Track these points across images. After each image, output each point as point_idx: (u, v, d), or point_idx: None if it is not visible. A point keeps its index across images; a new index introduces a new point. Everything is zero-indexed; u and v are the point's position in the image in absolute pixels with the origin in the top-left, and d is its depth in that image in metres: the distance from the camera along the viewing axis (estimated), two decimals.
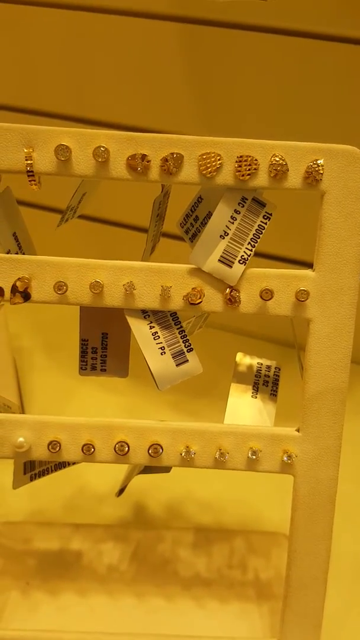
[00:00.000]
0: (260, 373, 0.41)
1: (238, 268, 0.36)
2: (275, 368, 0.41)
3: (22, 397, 0.62)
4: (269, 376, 0.41)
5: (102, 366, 0.39)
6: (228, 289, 0.36)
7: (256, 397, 0.40)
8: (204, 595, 0.43)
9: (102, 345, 0.39)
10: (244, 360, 0.41)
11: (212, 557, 0.46)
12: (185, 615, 0.42)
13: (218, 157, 0.35)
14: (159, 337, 0.37)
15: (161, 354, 0.37)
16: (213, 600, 0.43)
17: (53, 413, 0.59)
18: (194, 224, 0.39)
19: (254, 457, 0.37)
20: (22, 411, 0.59)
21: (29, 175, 0.34)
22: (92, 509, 0.51)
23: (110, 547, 0.46)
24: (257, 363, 0.41)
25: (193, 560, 0.46)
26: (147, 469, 0.42)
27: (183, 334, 0.37)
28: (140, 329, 0.37)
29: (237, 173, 0.35)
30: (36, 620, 0.41)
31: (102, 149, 0.34)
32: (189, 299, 0.36)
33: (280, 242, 0.62)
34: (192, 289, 0.36)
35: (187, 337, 0.37)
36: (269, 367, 0.41)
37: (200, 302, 0.36)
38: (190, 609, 0.42)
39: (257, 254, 0.36)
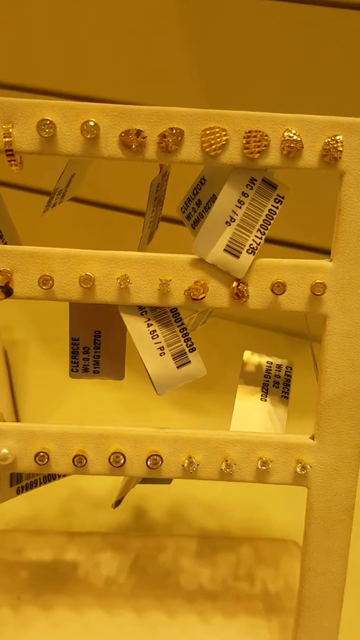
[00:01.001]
0: (270, 373, 0.37)
1: (246, 259, 0.32)
2: (287, 368, 0.37)
3: (15, 394, 0.58)
4: (279, 377, 0.37)
5: (95, 367, 0.35)
6: (235, 283, 0.32)
7: (265, 400, 0.36)
8: (209, 610, 0.41)
9: (95, 344, 0.35)
10: (252, 358, 0.37)
11: (217, 567, 0.44)
12: (188, 632, 0.39)
13: (223, 133, 0.30)
14: (158, 336, 0.33)
15: (160, 354, 0.33)
16: (218, 614, 0.41)
17: (48, 410, 0.57)
18: (196, 208, 0.35)
19: (264, 468, 0.33)
20: (15, 409, 0.55)
21: (8, 155, 0.30)
22: (88, 514, 0.48)
23: (107, 558, 0.43)
24: (267, 362, 0.37)
25: (197, 570, 0.43)
26: (146, 479, 0.38)
27: (184, 332, 0.33)
28: (136, 327, 0.33)
29: (245, 150, 0.31)
30: (27, 638, 0.39)
31: (91, 123, 0.30)
32: (191, 294, 0.32)
33: (293, 228, 0.58)
34: (195, 282, 0.32)
35: (189, 336, 0.33)
36: (279, 366, 0.37)
37: (204, 297, 0.32)
38: (194, 625, 0.40)
39: (267, 240, 0.32)
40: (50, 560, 0.43)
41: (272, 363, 0.37)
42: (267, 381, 0.36)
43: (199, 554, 0.44)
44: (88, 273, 0.31)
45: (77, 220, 0.65)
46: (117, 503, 0.40)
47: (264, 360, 0.37)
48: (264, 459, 0.33)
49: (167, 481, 0.37)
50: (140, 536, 0.45)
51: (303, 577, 0.36)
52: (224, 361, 0.46)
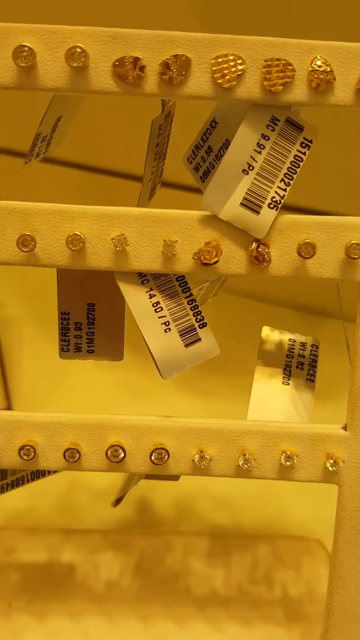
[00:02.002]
0: (292, 353, 0.31)
1: (267, 215, 0.26)
2: (312, 346, 0.32)
3: (7, 377, 0.54)
4: (304, 357, 0.31)
5: (89, 346, 0.30)
6: (254, 244, 0.26)
7: (288, 384, 0.31)
8: (222, 617, 0.37)
9: (88, 319, 0.29)
10: (272, 335, 0.32)
11: (231, 569, 0.40)
12: None
13: (239, 61, 0.25)
14: (162, 309, 0.28)
15: (165, 330, 0.27)
16: (233, 623, 0.37)
17: (43, 394, 0.53)
18: (205, 157, 0.30)
19: (288, 463, 0.28)
20: (6, 393, 0.51)
21: None
22: (87, 509, 0.44)
23: (108, 558, 0.40)
24: (289, 340, 0.32)
25: (208, 573, 0.39)
26: (149, 475, 0.33)
27: (193, 304, 0.28)
28: (136, 299, 0.27)
29: (265, 83, 0.25)
30: None
31: (78, 50, 0.24)
32: (201, 257, 0.26)
33: (312, 192, 0.51)
34: (206, 244, 0.26)
35: (199, 309, 0.28)
36: (303, 344, 0.32)
37: (217, 261, 0.26)
38: (206, 635, 0.36)
39: (286, 207, 0.26)
40: (44, 562, 0.40)
41: (295, 341, 0.32)
42: (290, 362, 0.31)
43: (211, 554, 0.41)
44: (77, 233, 0.26)
45: (66, 186, 0.59)
46: (117, 501, 0.35)
47: (285, 337, 0.32)
48: (288, 452, 0.28)
49: (175, 477, 0.32)
50: (144, 534, 0.42)
51: (332, 587, 0.31)
52: (235, 340, 0.44)
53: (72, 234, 0.26)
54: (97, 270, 0.28)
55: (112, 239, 0.26)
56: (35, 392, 0.53)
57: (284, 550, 0.41)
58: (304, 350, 0.32)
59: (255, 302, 0.64)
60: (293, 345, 0.32)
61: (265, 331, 0.32)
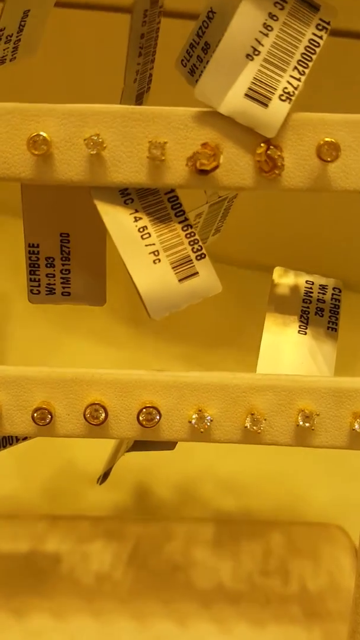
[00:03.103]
0: (310, 297, 0.26)
1: (279, 108, 0.21)
2: (334, 289, 0.26)
3: None
4: (324, 301, 0.26)
5: (64, 287, 0.24)
6: (262, 145, 0.21)
7: (305, 333, 0.25)
8: (230, 615, 0.33)
9: (62, 253, 0.24)
10: (286, 277, 0.26)
11: (240, 560, 0.36)
12: None
13: None
14: (150, 236, 0.22)
15: (154, 261, 0.22)
16: (242, 621, 0.33)
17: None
18: (202, 56, 0.24)
19: (307, 424, 0.23)
20: None
21: None
22: (75, 493, 0.41)
23: (99, 548, 0.36)
24: (307, 282, 0.26)
25: (214, 564, 0.36)
26: (138, 445, 0.27)
27: (189, 230, 0.22)
28: (118, 223, 0.22)
29: None
30: None
31: None
32: (196, 162, 0.21)
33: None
34: (202, 145, 0.21)
35: (196, 237, 0.22)
36: (324, 287, 0.26)
37: (216, 167, 0.21)
38: (211, 636, 0.32)
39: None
40: (26, 552, 0.36)
41: (313, 283, 0.26)
42: (307, 308, 0.26)
43: (216, 542, 0.37)
44: (41, 133, 0.21)
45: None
46: (104, 477, 0.30)
47: (302, 279, 0.26)
48: (306, 411, 0.23)
49: (169, 445, 0.26)
50: (140, 520, 0.38)
51: None
52: (244, 312, 0.42)
53: (34, 134, 0.21)
54: (70, 190, 0.22)
55: (85, 140, 0.21)
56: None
57: (300, 537, 0.37)
58: (324, 294, 0.26)
59: (266, 274, 0.59)
60: (311, 288, 0.26)
61: (278, 272, 0.26)
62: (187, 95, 0.22)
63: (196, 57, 0.25)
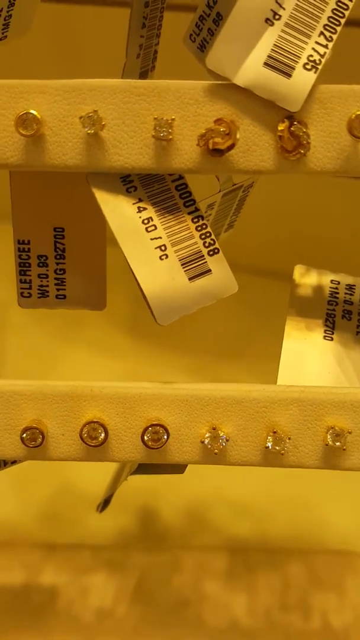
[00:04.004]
0: (336, 298, 0.23)
1: (304, 78, 0.18)
2: None
3: None
4: (351, 303, 0.23)
5: (58, 290, 0.22)
6: (285, 121, 0.18)
7: (332, 339, 0.23)
8: None
9: (57, 251, 0.22)
10: (308, 276, 0.24)
11: (256, 593, 0.33)
12: None
13: None
14: (156, 228, 0.20)
15: (160, 257, 0.20)
16: None
17: None
18: (214, 29, 0.22)
19: (338, 443, 0.20)
20: None
21: None
22: (74, 518, 0.38)
23: (100, 581, 0.34)
24: (332, 282, 0.24)
25: (227, 599, 0.33)
26: (143, 468, 0.25)
27: (200, 222, 0.20)
28: (119, 214, 0.20)
29: None
30: None
31: None
32: (209, 141, 0.18)
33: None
34: (215, 121, 0.18)
35: (208, 230, 0.20)
36: (351, 287, 0.24)
37: (232, 146, 0.18)
38: None
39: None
40: (19, 584, 0.34)
41: (339, 283, 0.24)
42: (333, 310, 0.23)
43: (229, 574, 0.34)
44: (31, 111, 0.18)
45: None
46: (104, 504, 0.28)
47: (326, 278, 0.24)
48: (336, 428, 0.20)
49: (178, 469, 0.24)
50: (145, 549, 0.36)
51: None
52: (250, 320, 0.42)
53: (23, 113, 0.18)
54: (65, 177, 0.20)
55: (81, 118, 0.18)
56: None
57: (322, 567, 0.34)
58: (351, 294, 0.24)
59: (275, 280, 0.57)
60: (337, 288, 0.24)
61: (299, 270, 0.24)
62: (197, 77, 0.20)
63: (207, 31, 0.22)
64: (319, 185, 0.43)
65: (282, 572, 0.34)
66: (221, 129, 0.18)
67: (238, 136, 0.18)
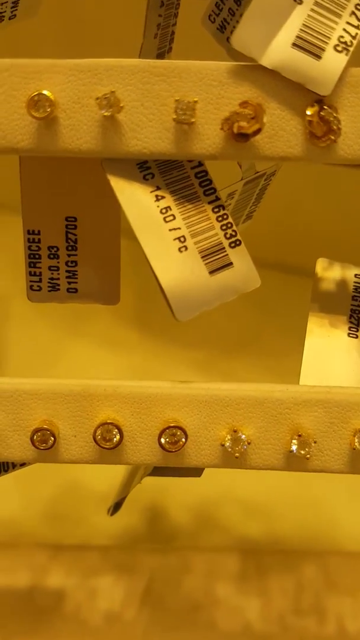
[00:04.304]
0: None
1: (334, 60, 0.17)
2: None
3: None
4: None
5: (70, 282, 0.21)
6: (314, 105, 0.17)
7: (357, 337, 0.22)
8: None
9: (68, 242, 0.20)
10: (331, 270, 0.23)
11: (269, 596, 0.32)
12: None
13: None
14: (174, 218, 0.19)
15: (179, 249, 0.19)
16: None
17: (35, 376, 0.48)
18: (235, 9, 0.21)
19: None
20: None
21: None
22: (81, 518, 0.37)
23: (108, 583, 0.33)
24: (356, 276, 0.23)
25: (239, 602, 0.32)
26: (158, 470, 0.24)
27: (221, 212, 0.19)
28: (135, 202, 0.18)
29: None
30: None
31: None
32: (234, 125, 0.17)
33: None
34: (241, 104, 0.17)
35: (230, 220, 0.19)
36: None
37: (258, 130, 0.17)
38: None
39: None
40: (25, 587, 0.33)
41: None
42: (358, 306, 0.22)
43: (242, 576, 0.33)
44: (44, 92, 0.17)
45: None
46: (116, 508, 0.27)
47: (350, 272, 0.23)
48: None
49: (195, 472, 0.23)
50: (155, 551, 0.35)
51: None
52: (258, 315, 0.40)
53: (34, 94, 0.17)
54: (79, 163, 0.19)
55: (97, 99, 0.17)
56: (24, 376, 0.47)
57: (337, 569, 0.33)
58: None
59: (282, 274, 0.56)
60: None
61: (321, 264, 0.23)
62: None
63: (227, 11, 0.21)
64: (328, 173, 0.42)
65: (295, 574, 0.33)
66: (247, 112, 0.17)
67: (265, 120, 0.17)
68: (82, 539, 0.36)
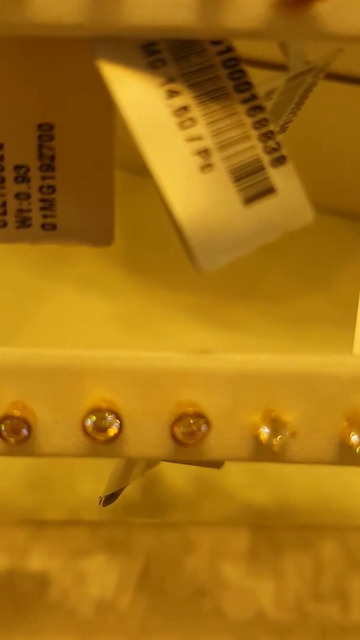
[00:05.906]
0: None
1: None
2: None
3: None
4: None
5: (45, 217, 0.15)
6: None
7: None
8: None
9: (42, 159, 0.15)
10: None
11: (284, 578, 0.29)
12: None
13: None
14: (194, 123, 0.13)
15: (202, 169, 0.13)
16: None
17: (11, 330, 0.44)
18: None
19: None
20: None
21: None
22: (68, 489, 0.33)
23: (99, 566, 0.29)
24: None
25: (250, 586, 0.28)
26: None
27: (259, 114, 0.13)
28: (139, 100, 0.13)
29: None
30: None
31: None
32: None
33: None
34: None
35: (270, 125, 0.13)
36: None
37: None
38: None
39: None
40: (3, 571, 0.29)
41: None
42: None
43: (252, 555, 0.29)
44: None
45: None
46: (109, 499, 0.22)
47: None
48: None
49: (215, 464, 0.18)
50: (151, 526, 0.31)
51: None
52: (265, 258, 0.36)
53: None
54: (57, 47, 0.13)
55: None
56: (1, 327, 0.43)
57: (358, 545, 0.30)
58: None
59: None
60: None
61: None
62: None
63: None
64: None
65: (313, 552, 0.29)
66: None
67: None
68: (66, 510, 0.32)
